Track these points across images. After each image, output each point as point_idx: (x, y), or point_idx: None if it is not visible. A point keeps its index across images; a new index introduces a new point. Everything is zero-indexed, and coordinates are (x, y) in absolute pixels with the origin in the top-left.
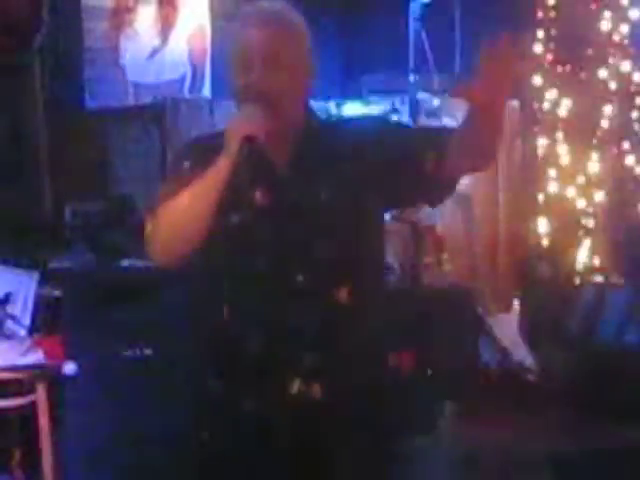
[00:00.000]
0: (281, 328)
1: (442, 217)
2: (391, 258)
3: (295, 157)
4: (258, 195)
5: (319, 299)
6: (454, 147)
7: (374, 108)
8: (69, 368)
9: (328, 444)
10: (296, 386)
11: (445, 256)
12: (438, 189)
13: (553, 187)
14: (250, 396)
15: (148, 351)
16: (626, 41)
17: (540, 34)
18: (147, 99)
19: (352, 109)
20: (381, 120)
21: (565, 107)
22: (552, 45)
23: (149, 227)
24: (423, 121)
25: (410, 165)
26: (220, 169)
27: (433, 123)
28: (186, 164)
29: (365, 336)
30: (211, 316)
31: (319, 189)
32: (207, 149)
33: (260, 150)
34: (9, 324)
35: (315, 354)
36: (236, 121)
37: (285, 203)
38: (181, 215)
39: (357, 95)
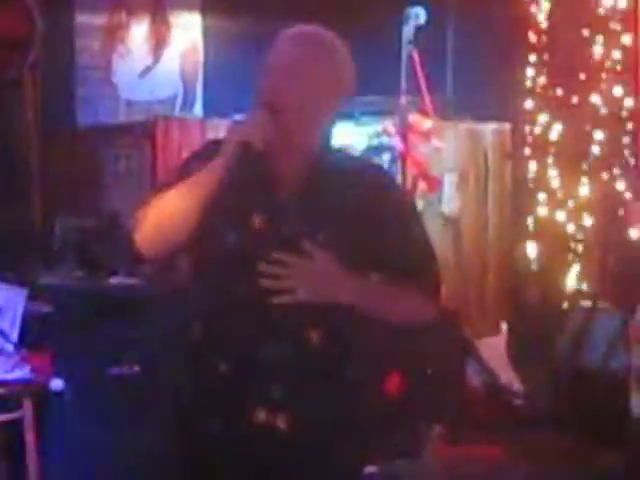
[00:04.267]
0: (251, 356)
1: (431, 238)
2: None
3: (300, 188)
4: (255, 219)
5: (292, 336)
6: None
7: (365, 129)
8: (56, 384)
9: (289, 475)
10: (261, 415)
11: None
12: None
13: (543, 211)
14: (216, 418)
15: (136, 368)
16: (618, 67)
17: (532, 58)
18: (139, 117)
19: (344, 130)
20: (396, 216)
21: (556, 131)
22: (544, 69)
23: (139, 213)
24: (414, 142)
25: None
26: (213, 169)
27: (423, 145)
28: (192, 164)
29: (335, 377)
30: (186, 333)
31: (316, 229)
32: (215, 152)
33: (261, 163)
34: None
35: (283, 387)
36: (237, 123)
37: (279, 234)
38: (168, 207)
39: (349, 116)
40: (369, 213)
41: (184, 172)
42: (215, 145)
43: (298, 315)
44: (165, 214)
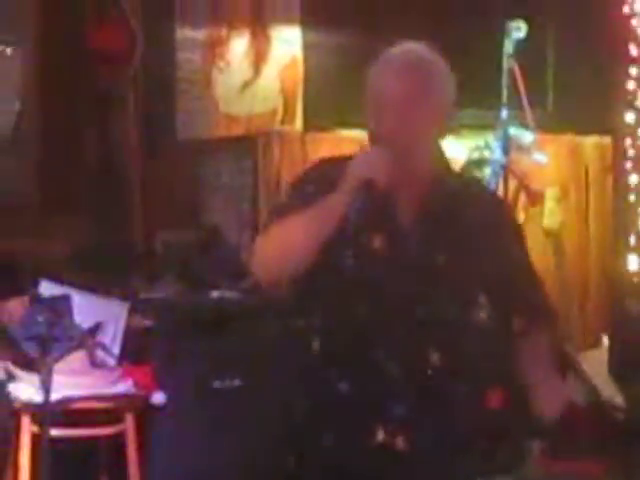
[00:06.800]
0: (372, 376)
1: (532, 252)
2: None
3: (422, 213)
4: (377, 243)
5: (412, 357)
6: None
7: (466, 143)
8: (157, 398)
9: None
10: (380, 435)
11: None
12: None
13: None
14: (334, 436)
15: (237, 382)
16: None
17: (633, 71)
18: (239, 131)
19: (444, 143)
20: (510, 240)
21: None
22: None
23: (257, 240)
24: (515, 156)
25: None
26: (333, 204)
27: (525, 158)
28: (308, 187)
29: (455, 397)
30: (303, 352)
31: (438, 252)
32: (330, 175)
33: (383, 197)
34: (99, 353)
35: (402, 407)
36: (361, 161)
37: (402, 258)
38: (288, 238)
39: (450, 129)
40: (487, 235)
41: (300, 197)
42: (328, 165)
43: (419, 336)
44: (284, 246)
